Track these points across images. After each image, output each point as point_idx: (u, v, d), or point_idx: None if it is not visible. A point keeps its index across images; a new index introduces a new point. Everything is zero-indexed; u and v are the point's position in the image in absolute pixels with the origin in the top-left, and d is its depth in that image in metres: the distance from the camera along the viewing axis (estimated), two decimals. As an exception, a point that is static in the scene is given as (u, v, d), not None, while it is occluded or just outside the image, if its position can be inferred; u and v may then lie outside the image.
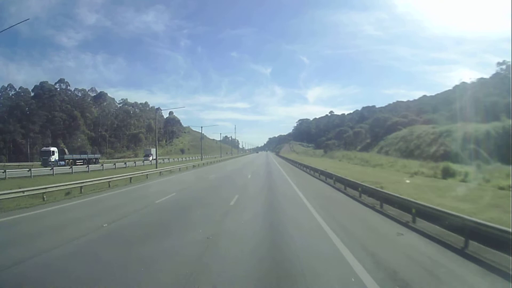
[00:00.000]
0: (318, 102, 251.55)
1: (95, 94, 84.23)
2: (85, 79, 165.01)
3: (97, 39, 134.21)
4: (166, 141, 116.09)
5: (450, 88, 74.88)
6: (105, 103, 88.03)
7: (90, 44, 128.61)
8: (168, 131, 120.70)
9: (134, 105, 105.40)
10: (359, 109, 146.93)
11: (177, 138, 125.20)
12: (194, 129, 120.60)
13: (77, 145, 71.74)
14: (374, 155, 48.32)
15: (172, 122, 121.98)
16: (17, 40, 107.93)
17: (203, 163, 50.75)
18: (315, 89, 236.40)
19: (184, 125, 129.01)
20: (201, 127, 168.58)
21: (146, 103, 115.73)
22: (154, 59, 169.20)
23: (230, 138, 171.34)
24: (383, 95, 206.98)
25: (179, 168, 36.77)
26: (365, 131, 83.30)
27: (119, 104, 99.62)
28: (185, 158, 74.92)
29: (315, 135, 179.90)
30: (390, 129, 70.36)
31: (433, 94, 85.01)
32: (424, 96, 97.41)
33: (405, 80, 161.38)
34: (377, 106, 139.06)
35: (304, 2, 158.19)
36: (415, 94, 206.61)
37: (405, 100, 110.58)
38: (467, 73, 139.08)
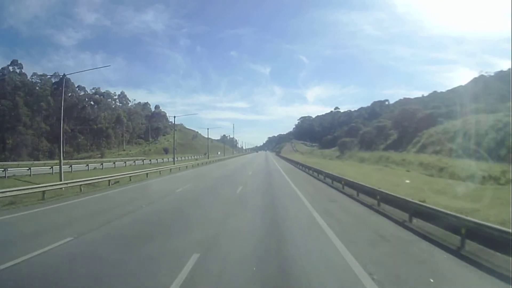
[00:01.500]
0: (318, 102, 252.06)
1: (56, 80, 68.52)
2: (85, 78, 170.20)
3: (96, 39, 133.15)
4: (150, 139, 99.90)
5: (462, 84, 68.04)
6: (69, 93, 71.96)
7: (89, 44, 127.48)
8: (152, 127, 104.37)
9: (107, 94, 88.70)
10: (364, 106, 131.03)
11: (164, 135, 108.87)
12: (188, 127, 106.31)
13: (18, 141, 55.50)
14: (427, 157, 32.17)
15: (157, 117, 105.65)
16: (16, 39, 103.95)
17: (168, 169, 34.40)
18: (315, 89, 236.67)
19: (177, 122, 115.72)
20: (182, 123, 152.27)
21: (122, 93, 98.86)
22: (153, 58, 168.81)
23: (228, 137, 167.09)
24: (383, 95, 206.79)
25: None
26: (389, 126, 66.99)
27: (90, 92, 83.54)
28: (162, 159, 58.74)
29: (319, 133, 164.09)
30: (423, 123, 54.18)
31: (444, 91, 77.90)
32: (435, 92, 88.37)
33: (405, 80, 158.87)
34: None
35: (304, 1, 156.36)
36: (415, 94, 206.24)
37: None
38: (467, 73, 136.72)
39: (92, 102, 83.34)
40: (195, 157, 72.54)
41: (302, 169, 33.27)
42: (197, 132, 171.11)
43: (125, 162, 45.87)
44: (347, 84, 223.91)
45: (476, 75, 78.80)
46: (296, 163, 42.81)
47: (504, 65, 68.59)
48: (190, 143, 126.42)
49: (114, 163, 43.06)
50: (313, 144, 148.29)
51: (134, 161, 49.52)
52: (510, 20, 31.84)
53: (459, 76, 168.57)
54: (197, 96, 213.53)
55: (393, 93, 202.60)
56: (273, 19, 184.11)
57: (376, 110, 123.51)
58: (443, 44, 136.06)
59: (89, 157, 61.40)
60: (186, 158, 66.93)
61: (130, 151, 79.08)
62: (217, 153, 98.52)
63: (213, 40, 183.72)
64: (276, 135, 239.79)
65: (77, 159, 56.85)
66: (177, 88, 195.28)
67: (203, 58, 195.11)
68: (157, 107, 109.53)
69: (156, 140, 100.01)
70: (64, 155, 63.67)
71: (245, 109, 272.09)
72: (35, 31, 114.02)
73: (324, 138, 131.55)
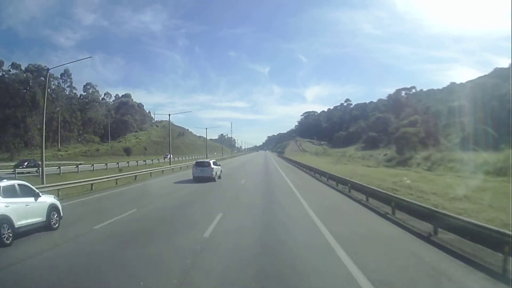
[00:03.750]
0: (317, 101, 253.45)
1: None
2: (83, 79, 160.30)
3: (94, 39, 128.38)
4: (109, 136, 76.68)
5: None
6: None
7: (87, 44, 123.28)
8: (120, 121, 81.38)
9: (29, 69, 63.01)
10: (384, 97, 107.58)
11: (137, 132, 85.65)
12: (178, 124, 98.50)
13: None
14: None
15: (126, 108, 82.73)
16: (14, 40, 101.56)
17: None
18: (314, 88, 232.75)
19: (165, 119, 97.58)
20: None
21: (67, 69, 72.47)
22: (151, 58, 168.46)
23: (226, 137, 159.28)
24: (383, 94, 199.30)
25: None
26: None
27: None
28: (106, 165, 36.26)
29: (327, 130, 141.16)
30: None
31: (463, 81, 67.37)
32: (453, 83, 76.47)
33: (404, 79, 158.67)
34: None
35: (303, 0, 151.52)
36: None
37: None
38: (466, 72, 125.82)
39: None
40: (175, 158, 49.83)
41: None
42: (187, 129, 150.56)
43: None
44: (347, 83, 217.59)
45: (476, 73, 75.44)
46: (327, 175, 20.23)
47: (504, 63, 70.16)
48: (172, 142, 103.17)
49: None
50: (321, 142, 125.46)
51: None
52: (510, 18, 31.46)
53: (459, 74, 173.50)
54: (196, 96, 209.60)
55: (393, 92, 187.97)
56: (272, 19, 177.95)
57: (401, 100, 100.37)
58: (443, 43, 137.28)
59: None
60: (145, 162, 44.50)
61: (66, 150, 56.18)
62: (214, 154, 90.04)
63: (211, 39, 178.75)
64: (276, 134, 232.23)
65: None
66: (176, 88, 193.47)
67: (202, 58, 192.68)
68: (127, 95, 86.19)
69: (123, 137, 76.93)
70: None
71: (244, 109, 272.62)
72: (33, 32, 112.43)
73: (336, 135, 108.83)
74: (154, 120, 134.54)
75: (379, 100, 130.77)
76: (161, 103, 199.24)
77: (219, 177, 23.35)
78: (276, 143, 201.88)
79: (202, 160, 24.76)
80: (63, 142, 64.43)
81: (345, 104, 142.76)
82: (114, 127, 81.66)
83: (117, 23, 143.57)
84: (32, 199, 8.18)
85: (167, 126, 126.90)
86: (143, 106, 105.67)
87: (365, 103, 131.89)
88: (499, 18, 78.60)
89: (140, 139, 75.19)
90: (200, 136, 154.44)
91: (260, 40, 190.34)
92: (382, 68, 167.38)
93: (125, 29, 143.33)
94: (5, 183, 7.71)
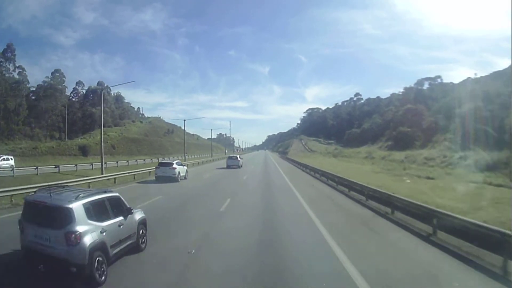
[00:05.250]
0: (317, 101, 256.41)
1: None
2: (83, 78, 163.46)
3: (94, 38, 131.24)
4: (65, 130, 62.05)
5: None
6: None
7: (88, 43, 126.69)
8: (85, 113, 66.50)
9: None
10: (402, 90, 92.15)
11: (111, 127, 70.52)
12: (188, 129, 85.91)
13: None
14: None
15: (93, 98, 67.56)
16: (14, 39, 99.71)
17: None
18: (314, 88, 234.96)
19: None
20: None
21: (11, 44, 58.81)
22: (151, 58, 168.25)
23: (224, 136, 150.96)
24: (382, 94, 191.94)
25: None
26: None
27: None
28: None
29: (335, 127, 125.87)
30: None
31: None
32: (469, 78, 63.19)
33: (404, 79, 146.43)
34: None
35: (303, 0, 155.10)
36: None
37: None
38: (466, 72, 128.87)
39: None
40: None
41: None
42: (179, 127, 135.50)
43: None
44: (346, 83, 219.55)
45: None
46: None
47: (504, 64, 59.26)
48: (158, 141, 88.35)
49: None
50: (329, 141, 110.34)
51: None
52: (510, 18, 29.79)
53: (459, 75, 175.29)
54: (196, 96, 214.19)
55: (393, 92, 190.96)
56: (272, 18, 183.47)
57: (424, 92, 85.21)
58: (443, 43, 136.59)
59: None
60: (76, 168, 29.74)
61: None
62: (205, 154, 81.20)
63: (211, 39, 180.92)
64: (276, 133, 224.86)
65: None
66: (176, 88, 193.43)
67: (202, 58, 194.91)
68: (100, 84, 70.90)
69: (89, 133, 61.75)
70: None
71: (244, 108, 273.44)
72: (33, 31, 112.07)
73: (348, 132, 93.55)
74: (141, 115, 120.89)
75: (393, 94, 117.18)
76: (161, 102, 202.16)
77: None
78: (277, 143, 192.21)
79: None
80: (9, 136, 49.61)
81: (355, 98, 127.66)
82: (77, 120, 66.65)
83: (117, 22, 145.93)
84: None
85: (154, 123, 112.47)
86: (123, 98, 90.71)
87: (378, 97, 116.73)
88: (499, 18, 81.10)
89: (109, 135, 60.08)
90: (193, 134, 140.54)
91: (260, 40, 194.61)
92: (382, 68, 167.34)
93: (125, 28, 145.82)
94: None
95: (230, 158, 35.68)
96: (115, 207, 6.03)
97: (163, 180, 20.50)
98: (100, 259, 5.03)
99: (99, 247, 5.09)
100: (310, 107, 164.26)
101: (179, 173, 21.10)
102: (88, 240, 4.95)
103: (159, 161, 26.82)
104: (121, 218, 6.03)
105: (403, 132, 48.98)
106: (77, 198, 5.22)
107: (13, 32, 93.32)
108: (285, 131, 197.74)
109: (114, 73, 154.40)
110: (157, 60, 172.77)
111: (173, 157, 56.53)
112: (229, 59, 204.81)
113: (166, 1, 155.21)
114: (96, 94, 66.37)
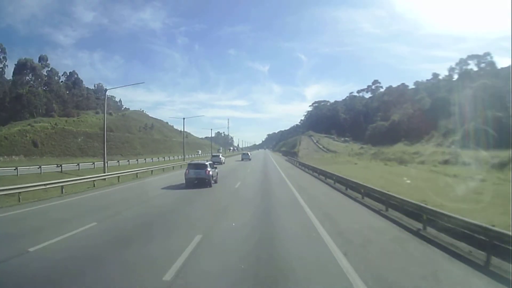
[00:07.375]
0: (317, 100, 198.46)
1: None
2: (83, 77, 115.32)
3: (94, 37, 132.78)
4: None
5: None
6: None
7: (87, 42, 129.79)
8: (15, 97, 47.09)
9: None
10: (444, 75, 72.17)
11: (52, 117, 50.72)
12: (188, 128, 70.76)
13: None
14: None
15: (25, 78, 47.68)
16: (14, 38, 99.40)
17: None
18: (313, 87, 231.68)
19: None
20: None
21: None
22: (151, 56, 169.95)
23: (223, 134, 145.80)
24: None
25: None
26: None
27: None
28: None
29: (348, 121, 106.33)
30: None
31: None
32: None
33: (404, 78, 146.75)
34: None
35: None
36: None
37: None
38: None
39: None
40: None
41: None
42: (165, 122, 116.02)
43: None
44: (346, 82, 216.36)
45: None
46: None
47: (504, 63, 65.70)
48: (129, 138, 68.42)
49: None
50: (345, 138, 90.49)
51: None
52: (509, 18, 29.59)
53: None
54: (196, 94, 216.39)
55: (416, 80, 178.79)
56: (272, 17, 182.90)
57: (472, 74, 65.35)
58: (442, 42, 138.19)
59: None
60: None
61: None
62: (198, 152, 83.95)
63: (211, 38, 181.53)
64: (276, 131, 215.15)
65: None
66: (176, 86, 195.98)
67: (201, 56, 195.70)
68: (43, 58, 51.25)
69: (14, 123, 42.11)
70: None
71: (244, 107, 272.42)
72: (32, 29, 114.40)
73: (373, 127, 73.71)
74: (123, 108, 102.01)
75: (416, 82, 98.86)
76: (161, 101, 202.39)
77: None
78: (278, 141, 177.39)
79: None
80: None
81: (373, 87, 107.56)
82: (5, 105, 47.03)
83: (116, 21, 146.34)
84: None
85: (128, 115, 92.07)
86: (82, 82, 70.49)
87: (403, 83, 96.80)
88: (499, 18, 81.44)
89: (32, 126, 40.32)
90: (182, 131, 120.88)
91: (260, 39, 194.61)
92: (381, 67, 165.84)
93: (125, 27, 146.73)
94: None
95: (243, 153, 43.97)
96: (213, 166, 19.38)
97: None
98: (213, 179, 18.32)
99: (213, 175, 18.32)
100: (304, 113, 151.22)
101: None
102: (210, 173, 18.11)
103: None
104: (215, 169, 19.51)
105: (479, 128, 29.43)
106: (207, 161, 19.78)
107: (13, 31, 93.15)
108: (287, 129, 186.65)
109: (114, 72, 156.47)
110: (156, 59, 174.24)
111: (118, 161, 38.36)
112: (229, 57, 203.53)
113: (166, 0, 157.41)
114: (27, 72, 46.43)
